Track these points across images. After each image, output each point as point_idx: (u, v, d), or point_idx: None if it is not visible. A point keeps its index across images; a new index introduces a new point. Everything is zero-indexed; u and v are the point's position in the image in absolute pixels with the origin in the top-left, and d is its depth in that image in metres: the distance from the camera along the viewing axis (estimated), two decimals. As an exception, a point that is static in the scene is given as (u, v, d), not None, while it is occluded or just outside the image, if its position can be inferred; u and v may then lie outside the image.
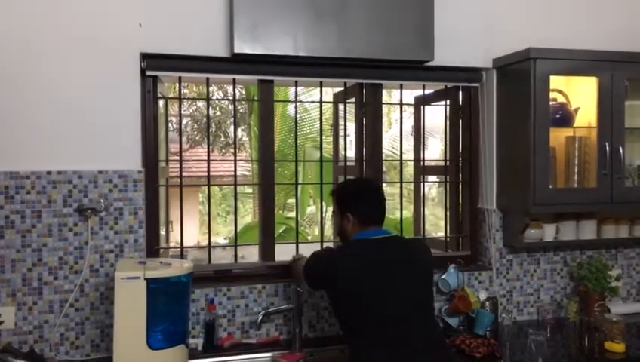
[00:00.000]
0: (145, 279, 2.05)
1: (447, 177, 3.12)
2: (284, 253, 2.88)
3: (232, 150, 2.86)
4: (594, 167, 2.74)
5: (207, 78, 2.66)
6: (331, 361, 2.53)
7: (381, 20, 2.58)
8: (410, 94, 3.31)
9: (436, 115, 3.25)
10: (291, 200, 8.62)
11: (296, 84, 2.84)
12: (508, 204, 2.85)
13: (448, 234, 3.13)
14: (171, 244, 3.39)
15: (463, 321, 2.73)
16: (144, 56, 2.47)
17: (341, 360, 2.51)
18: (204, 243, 3.05)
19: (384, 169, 3.12)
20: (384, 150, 3.02)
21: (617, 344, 2.46)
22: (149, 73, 2.51)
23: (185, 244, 2.74)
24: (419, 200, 3.28)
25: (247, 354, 2.49)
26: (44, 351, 2.35)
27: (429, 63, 2.72)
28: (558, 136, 2.80)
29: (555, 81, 2.69)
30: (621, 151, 2.70)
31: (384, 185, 2.97)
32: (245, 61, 2.56)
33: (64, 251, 2.37)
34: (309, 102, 8.13)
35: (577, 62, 2.67)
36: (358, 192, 2.25)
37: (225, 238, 9.96)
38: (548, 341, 2.50)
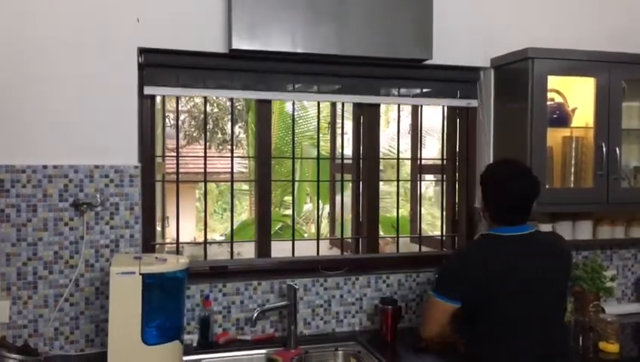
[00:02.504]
0: (140, 274, 2.05)
1: (444, 176, 3.13)
2: (280, 250, 2.88)
3: (229, 147, 2.85)
4: (590, 168, 2.74)
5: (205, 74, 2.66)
6: (326, 359, 2.53)
7: (380, 19, 2.58)
8: (408, 93, 3.30)
9: (434, 114, 3.24)
10: (288, 198, 8.61)
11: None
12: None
13: (444, 233, 3.13)
14: (167, 240, 3.38)
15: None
16: (142, 51, 2.47)
17: (335, 358, 2.52)
18: (200, 239, 3.04)
19: (381, 167, 3.12)
20: (381, 148, 3.02)
21: (612, 344, 2.47)
22: (146, 68, 2.51)
23: (181, 240, 2.74)
24: (416, 198, 3.29)
25: (242, 350, 2.49)
26: (39, 346, 2.34)
27: (428, 62, 2.72)
28: (555, 136, 2.80)
29: (553, 81, 2.69)
30: (618, 152, 2.70)
31: (380, 183, 2.98)
32: (243, 57, 2.56)
33: (59, 246, 2.37)
34: (306, 100, 8.13)
35: (575, 63, 2.67)
36: (495, 184, 2.06)
37: (221, 235, 9.95)
38: (542, 340, 2.50)
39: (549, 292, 2.04)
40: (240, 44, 2.44)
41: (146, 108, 2.55)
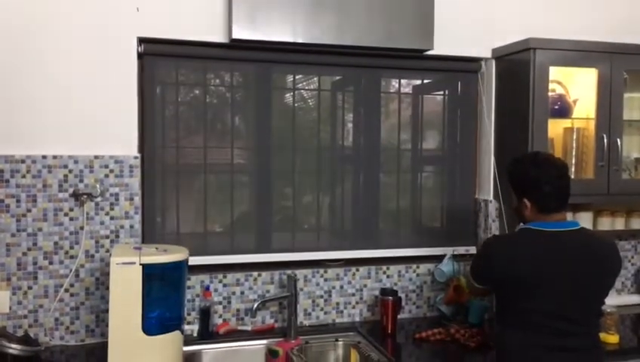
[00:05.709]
0: (140, 264, 2.04)
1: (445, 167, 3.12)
2: (280, 241, 2.87)
3: (229, 138, 2.85)
4: (591, 159, 2.74)
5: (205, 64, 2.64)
6: (326, 349, 2.53)
7: (381, 8, 2.57)
8: (409, 84, 3.29)
9: (435, 105, 3.23)
10: (288, 189, 8.61)
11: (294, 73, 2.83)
12: (505, 195, 2.85)
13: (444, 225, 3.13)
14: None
15: (457, 311, 2.74)
16: (141, 41, 2.45)
17: (335, 348, 2.52)
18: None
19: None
20: (382, 140, 3.01)
21: (611, 335, 2.48)
22: (146, 58, 2.49)
23: (181, 231, 2.73)
24: (416, 190, 3.28)
25: (242, 341, 2.50)
26: (39, 336, 2.34)
27: (429, 52, 2.71)
28: (556, 127, 2.79)
29: (554, 72, 2.68)
30: (619, 143, 2.70)
31: (380, 175, 2.98)
32: (243, 47, 2.55)
33: (59, 236, 2.36)
34: (306, 91, 8.11)
35: (577, 54, 2.66)
36: (537, 177, 1.99)
37: (221, 227, 9.95)
38: (542, 331, 2.51)
39: (582, 297, 1.94)
40: (240, 33, 2.42)
41: (146, 99, 2.54)
